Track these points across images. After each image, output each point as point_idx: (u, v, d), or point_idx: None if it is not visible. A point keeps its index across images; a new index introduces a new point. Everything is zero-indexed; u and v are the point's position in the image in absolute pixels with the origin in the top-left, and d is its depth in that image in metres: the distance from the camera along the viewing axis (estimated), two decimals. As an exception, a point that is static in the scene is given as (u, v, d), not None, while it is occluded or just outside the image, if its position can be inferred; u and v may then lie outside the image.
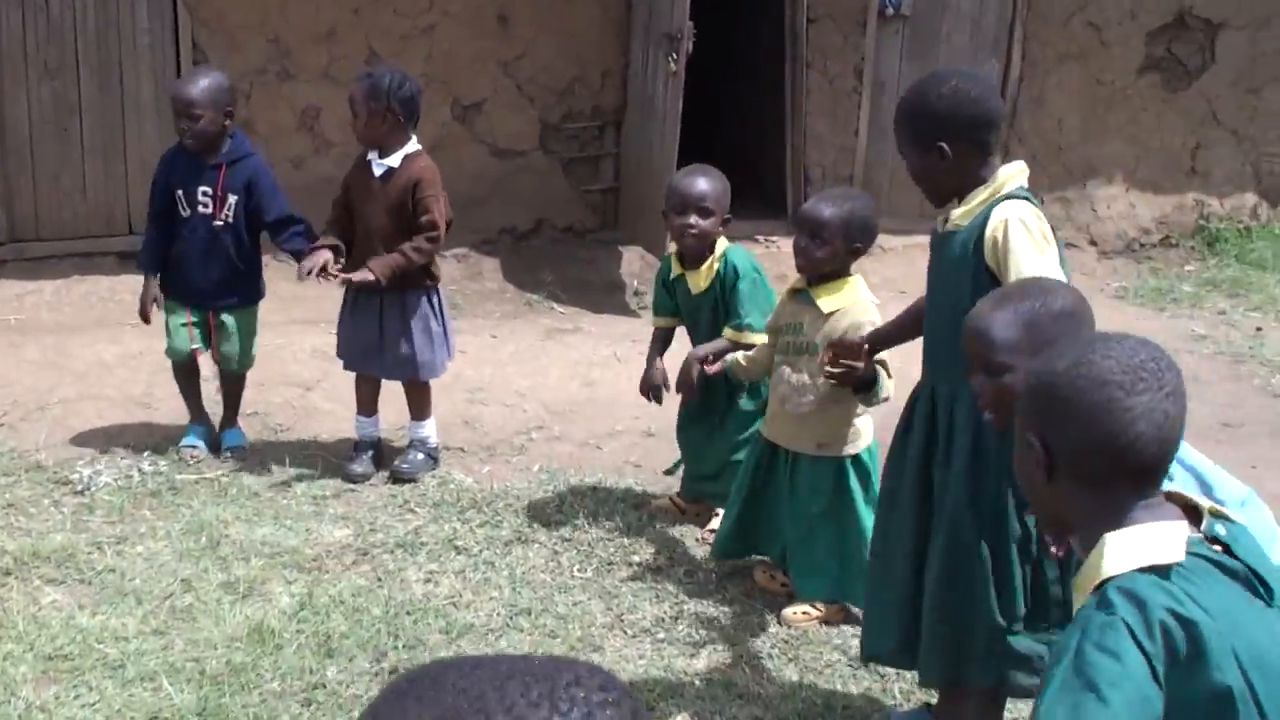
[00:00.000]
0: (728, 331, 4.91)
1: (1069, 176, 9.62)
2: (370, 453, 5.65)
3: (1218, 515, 2.07)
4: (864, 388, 4.18)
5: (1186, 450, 2.58)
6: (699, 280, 5.00)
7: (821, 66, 8.95)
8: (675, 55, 7.86)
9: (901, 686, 4.18)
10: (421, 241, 5.30)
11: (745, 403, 5.03)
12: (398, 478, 5.54)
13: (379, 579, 4.74)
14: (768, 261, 8.79)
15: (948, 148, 3.47)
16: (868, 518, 4.48)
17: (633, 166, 8.73)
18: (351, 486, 5.49)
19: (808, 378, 4.44)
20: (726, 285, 4.93)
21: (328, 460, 5.71)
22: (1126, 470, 2.03)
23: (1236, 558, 2.04)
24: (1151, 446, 2.02)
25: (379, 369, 5.60)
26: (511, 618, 4.51)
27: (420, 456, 5.63)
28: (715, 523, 5.09)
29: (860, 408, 4.47)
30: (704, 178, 4.98)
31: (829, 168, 9.13)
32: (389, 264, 5.26)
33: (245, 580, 4.66)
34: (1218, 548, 2.04)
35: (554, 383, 6.92)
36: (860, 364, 4.04)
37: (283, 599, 4.56)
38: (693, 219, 4.89)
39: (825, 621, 4.55)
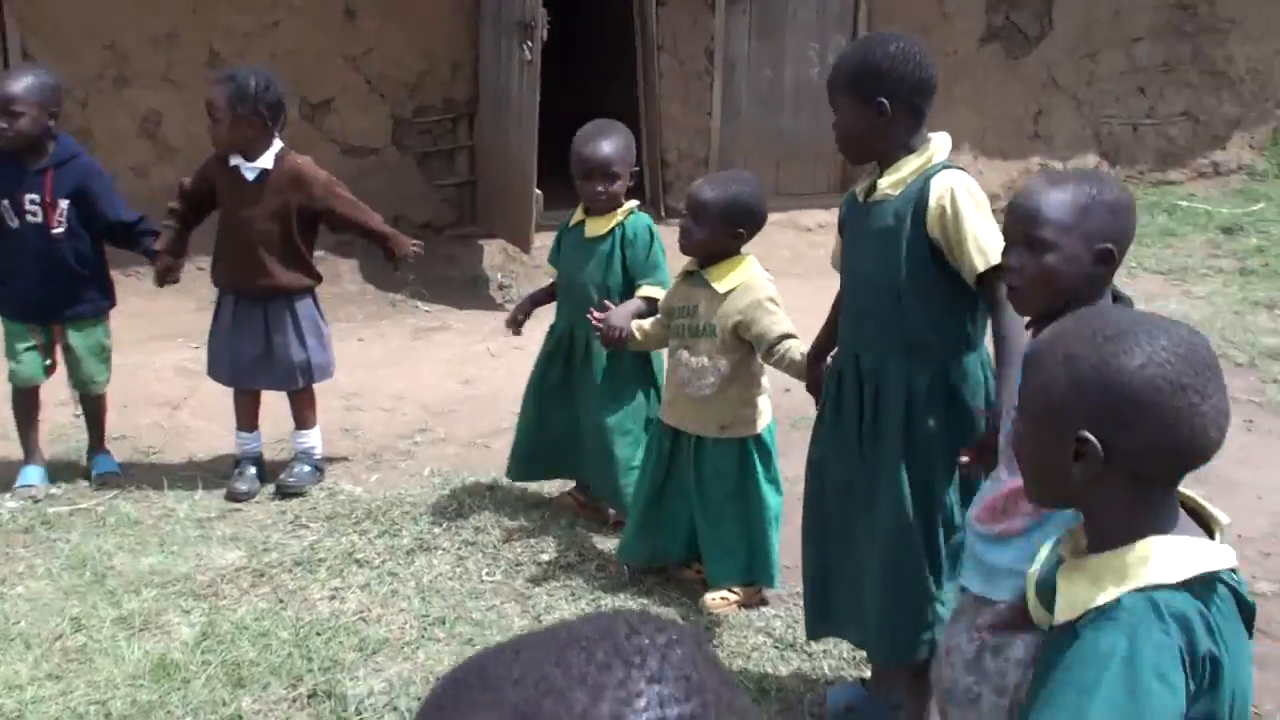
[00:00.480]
0: (645, 289, 4.81)
1: (918, 147, 9.72)
2: (254, 469, 5.44)
3: (1222, 529, 2.02)
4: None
5: None
6: (598, 225, 4.92)
7: (672, 49, 8.92)
8: (530, 44, 7.74)
9: (830, 664, 4.16)
10: (370, 212, 5.43)
11: (610, 380, 4.93)
12: (285, 492, 5.34)
13: (281, 600, 4.55)
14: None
15: (888, 105, 3.44)
16: (772, 497, 4.47)
17: (489, 158, 8.59)
18: (237, 505, 5.27)
19: (706, 360, 4.38)
20: (627, 243, 4.86)
21: (208, 480, 5.48)
22: (1181, 471, 1.96)
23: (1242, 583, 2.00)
24: (1214, 446, 1.95)
25: (269, 381, 5.39)
26: (425, 628, 4.36)
27: (306, 469, 5.44)
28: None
29: (759, 387, 4.44)
30: (606, 140, 4.88)
31: (684, 150, 9.11)
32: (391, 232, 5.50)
33: (139, 614, 4.42)
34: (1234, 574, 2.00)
35: (430, 383, 6.76)
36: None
37: (182, 630, 4.34)
38: (600, 186, 4.83)
39: (743, 605, 4.50)
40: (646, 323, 4.68)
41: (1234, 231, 9.45)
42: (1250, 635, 1.99)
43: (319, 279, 5.43)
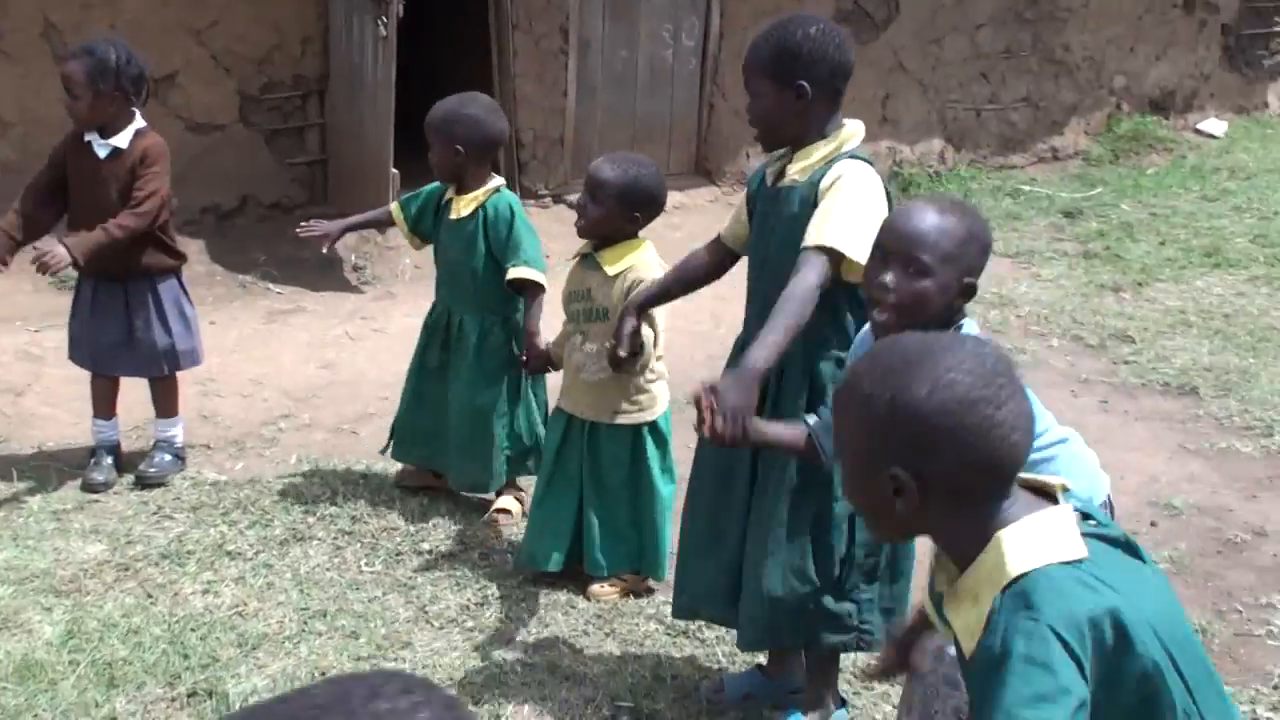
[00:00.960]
0: (511, 272, 4.72)
1: (771, 130, 9.76)
2: (110, 458, 5.20)
3: (1066, 489, 2.05)
4: (628, 361, 4.11)
5: None
6: (462, 206, 4.83)
7: (527, 27, 8.78)
8: (385, 19, 7.54)
9: (724, 650, 4.13)
10: (126, 217, 4.83)
11: (481, 361, 4.86)
12: (145, 483, 5.11)
13: (149, 595, 4.36)
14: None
15: (808, 88, 3.39)
16: (664, 486, 4.43)
17: (341, 136, 8.36)
18: (94, 496, 5.04)
19: (600, 344, 4.31)
20: (490, 224, 4.78)
21: (60, 470, 5.23)
22: (1003, 479, 1.98)
23: (1105, 523, 2.04)
24: (1022, 449, 1.98)
25: (130, 368, 5.15)
26: (306, 622, 4.22)
27: (168, 458, 5.22)
28: (503, 500, 4.92)
29: (654, 372, 4.39)
30: (461, 109, 4.81)
31: (540, 130, 8.99)
32: (88, 242, 4.78)
33: (-4, 612, 4.21)
34: (1090, 522, 2.03)
35: (289, 368, 6.55)
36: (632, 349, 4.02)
37: (45, 629, 4.13)
38: (433, 155, 4.81)
39: (631, 593, 4.45)
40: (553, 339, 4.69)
41: (1074, 215, 9.68)
42: (1138, 556, 2.02)
43: (182, 258, 5.22)
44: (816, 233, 3.33)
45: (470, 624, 4.23)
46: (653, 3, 9.23)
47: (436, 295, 5.03)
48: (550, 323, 4.74)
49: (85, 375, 5.29)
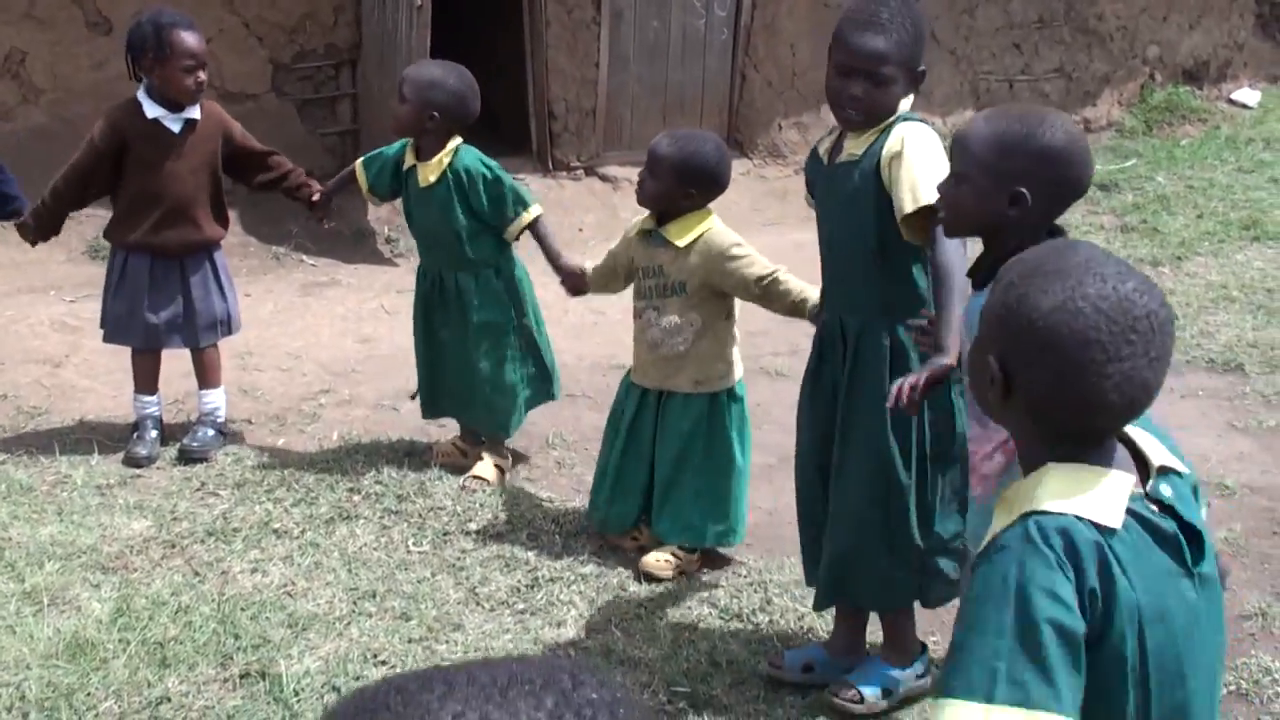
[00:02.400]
0: (514, 226, 4.86)
1: (803, 102, 9.68)
2: (154, 432, 5.17)
3: (1166, 471, 1.99)
4: None
5: None
6: (428, 173, 4.85)
7: (560, -3, 8.69)
8: (420, -12, 7.47)
9: (779, 631, 4.09)
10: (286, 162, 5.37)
11: (482, 314, 4.94)
12: (189, 457, 5.08)
13: (197, 574, 4.33)
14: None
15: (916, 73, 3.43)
16: (739, 454, 4.44)
17: (374, 106, 8.29)
18: (137, 471, 5.02)
19: (677, 318, 4.33)
20: (461, 187, 4.82)
21: (103, 444, 5.21)
22: (1084, 427, 1.93)
23: (1176, 516, 1.97)
24: (1117, 414, 1.92)
25: (186, 338, 5.15)
26: (356, 602, 4.19)
27: (211, 433, 5.19)
28: (480, 468, 4.99)
29: (732, 339, 4.39)
30: (446, 79, 4.85)
31: (572, 101, 8.91)
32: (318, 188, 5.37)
33: (44, 588, 4.17)
34: (1154, 507, 1.97)
35: (327, 341, 6.52)
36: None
37: (94, 606, 4.10)
38: (393, 104, 4.88)
39: (682, 571, 4.41)
40: (590, 266, 4.74)
41: (1109, 189, 9.59)
42: (1187, 561, 1.94)
43: (228, 225, 5.26)
44: (911, 198, 3.33)
45: (521, 606, 4.20)
46: (686, -27, 9.13)
47: (423, 261, 5.12)
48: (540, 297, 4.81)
49: (123, 347, 5.26)
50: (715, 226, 4.32)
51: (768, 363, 5.99)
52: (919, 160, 3.33)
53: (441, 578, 4.33)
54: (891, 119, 3.42)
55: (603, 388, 5.81)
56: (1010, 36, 10.64)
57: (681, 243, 4.27)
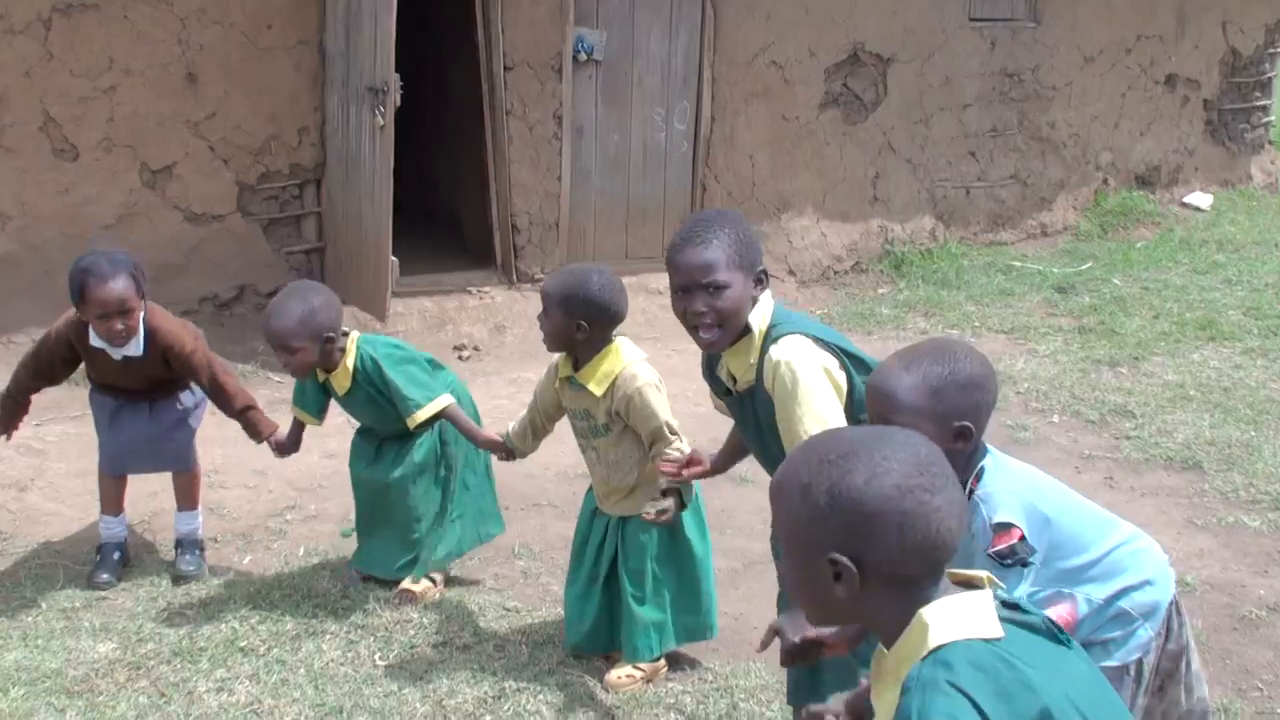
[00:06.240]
0: (412, 422, 4.85)
1: (763, 210, 9.84)
2: (117, 554, 5.17)
3: (994, 584, 2.10)
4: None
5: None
6: (338, 383, 4.91)
7: (521, 113, 8.85)
8: (382, 109, 7.60)
9: (745, 741, 4.10)
10: (229, 398, 5.18)
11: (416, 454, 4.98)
12: (182, 580, 5.10)
13: (163, 695, 4.30)
14: (481, 313, 8.65)
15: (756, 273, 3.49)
16: (700, 545, 4.50)
17: (339, 225, 8.40)
18: (102, 594, 5.00)
19: (614, 454, 4.41)
20: (374, 379, 4.85)
21: (68, 567, 5.19)
22: (937, 563, 2.04)
23: (1030, 612, 2.08)
24: (955, 537, 2.03)
25: (154, 462, 5.19)
26: (322, 719, 4.17)
27: (198, 553, 5.21)
28: (408, 582, 4.97)
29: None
30: (276, 317, 4.75)
31: (535, 215, 9.04)
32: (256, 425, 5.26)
33: (9, 714, 4.14)
34: (1011, 609, 2.08)
35: (293, 458, 6.47)
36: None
37: (58, 731, 4.08)
38: (283, 359, 4.82)
39: (648, 680, 4.42)
40: (513, 425, 4.76)
41: (1066, 291, 9.75)
42: (1061, 641, 2.06)
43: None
44: (795, 439, 3.31)
45: (489, 718, 4.19)
46: (644, 87, 9.33)
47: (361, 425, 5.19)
48: (504, 408, 4.74)
49: (89, 469, 5.28)
50: (627, 369, 4.31)
51: (732, 469, 6.01)
52: (796, 398, 3.35)
53: (409, 691, 4.32)
54: (758, 332, 3.48)
55: (568, 496, 5.84)
56: (966, 145, 10.87)
57: (598, 391, 4.30)
